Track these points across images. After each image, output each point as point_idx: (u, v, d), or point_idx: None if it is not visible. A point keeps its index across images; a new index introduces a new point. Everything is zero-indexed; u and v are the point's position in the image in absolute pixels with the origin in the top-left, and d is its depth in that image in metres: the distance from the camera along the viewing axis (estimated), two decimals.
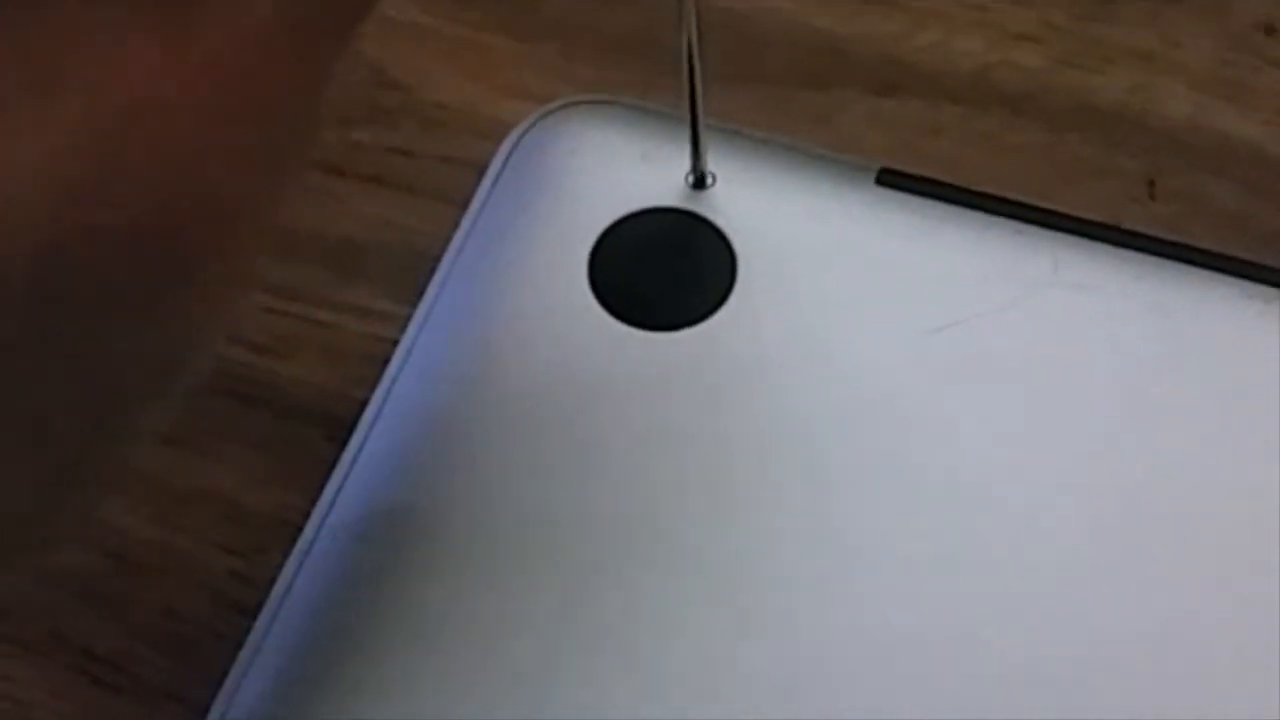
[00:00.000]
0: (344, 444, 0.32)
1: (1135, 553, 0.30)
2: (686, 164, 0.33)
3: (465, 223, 0.33)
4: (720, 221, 0.33)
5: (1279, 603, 0.29)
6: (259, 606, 0.30)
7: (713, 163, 0.33)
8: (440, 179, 0.37)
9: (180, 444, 0.35)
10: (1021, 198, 0.34)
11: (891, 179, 0.34)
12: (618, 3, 0.40)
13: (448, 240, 0.34)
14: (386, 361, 0.33)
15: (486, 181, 0.34)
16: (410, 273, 0.34)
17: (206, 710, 0.30)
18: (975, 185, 0.34)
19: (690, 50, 0.31)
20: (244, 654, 0.29)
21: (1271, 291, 0.32)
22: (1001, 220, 0.33)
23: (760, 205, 0.33)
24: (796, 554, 0.30)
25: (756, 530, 0.30)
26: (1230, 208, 0.37)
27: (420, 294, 0.33)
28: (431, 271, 0.34)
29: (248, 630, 0.30)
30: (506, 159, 0.34)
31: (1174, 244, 0.33)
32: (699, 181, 0.33)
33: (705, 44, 0.31)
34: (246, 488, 0.34)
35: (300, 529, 0.31)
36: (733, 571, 0.30)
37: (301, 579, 0.29)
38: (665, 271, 0.33)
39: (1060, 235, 0.33)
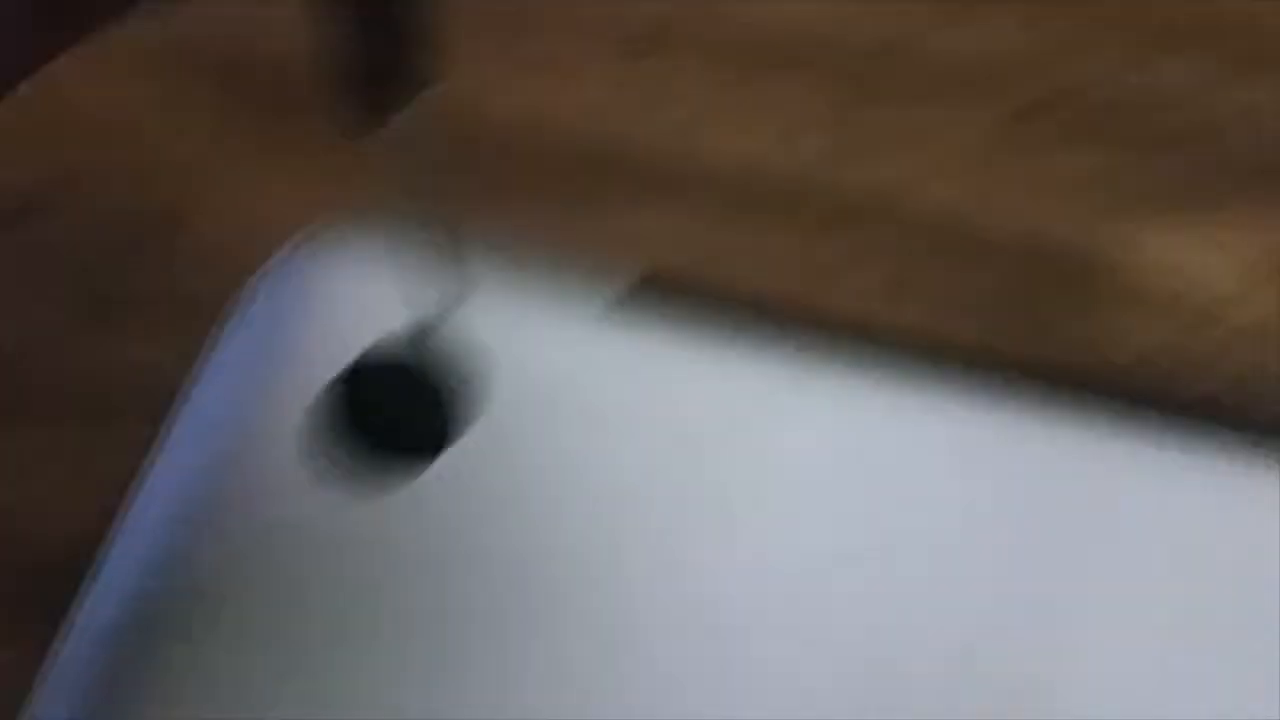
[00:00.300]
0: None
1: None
2: (433, 292, 0.32)
3: (195, 369, 0.32)
4: (465, 348, 0.32)
5: None
6: None
7: (464, 283, 0.32)
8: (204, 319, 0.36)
9: None
10: (781, 299, 0.33)
11: (653, 289, 0.33)
12: None
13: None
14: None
15: (223, 325, 0.33)
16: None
17: None
18: (739, 287, 0.33)
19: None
20: None
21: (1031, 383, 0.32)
22: (760, 325, 0.33)
23: (512, 328, 0.32)
24: (535, 699, 0.29)
25: (493, 671, 0.29)
26: (988, 302, 0.36)
27: None
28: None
29: None
30: (242, 302, 0.33)
31: (930, 343, 0.33)
32: (442, 309, 0.32)
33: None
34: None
35: None
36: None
37: None
38: (404, 406, 0.32)
39: (818, 338, 0.32)
